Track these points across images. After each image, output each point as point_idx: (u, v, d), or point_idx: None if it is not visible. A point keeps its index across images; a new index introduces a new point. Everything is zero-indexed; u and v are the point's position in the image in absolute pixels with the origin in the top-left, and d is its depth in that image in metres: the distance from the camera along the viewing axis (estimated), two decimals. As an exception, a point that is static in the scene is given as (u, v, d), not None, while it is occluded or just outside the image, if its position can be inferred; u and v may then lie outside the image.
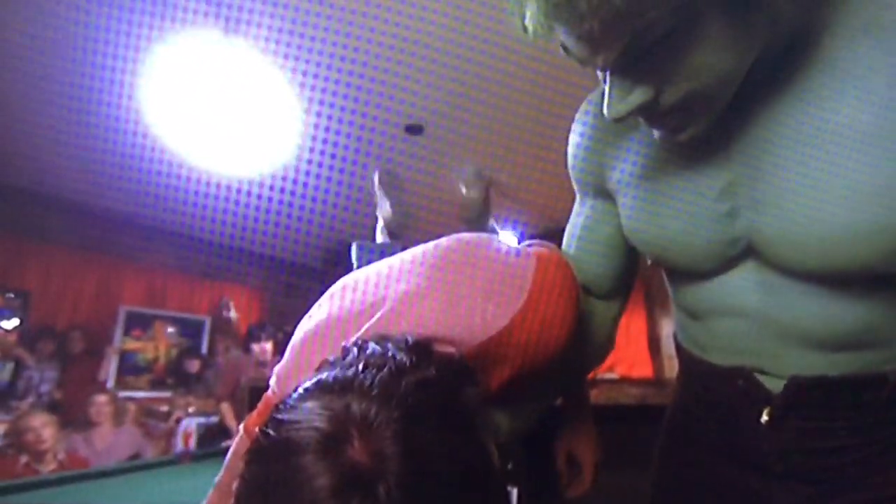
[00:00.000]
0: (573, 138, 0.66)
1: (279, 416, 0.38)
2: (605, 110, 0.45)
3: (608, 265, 0.67)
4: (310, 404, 0.38)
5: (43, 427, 2.18)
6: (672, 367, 0.75)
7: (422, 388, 0.40)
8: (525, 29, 0.40)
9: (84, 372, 3.49)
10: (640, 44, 0.39)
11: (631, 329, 3.81)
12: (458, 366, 0.47)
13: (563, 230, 0.73)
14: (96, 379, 3.55)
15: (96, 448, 2.69)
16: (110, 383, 3.64)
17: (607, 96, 0.44)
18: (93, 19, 1.36)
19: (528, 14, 0.39)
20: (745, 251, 0.50)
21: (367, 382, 0.38)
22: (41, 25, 1.76)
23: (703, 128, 0.46)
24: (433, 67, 1.86)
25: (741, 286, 0.52)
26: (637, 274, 0.72)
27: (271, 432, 0.37)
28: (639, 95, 0.43)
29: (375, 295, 0.54)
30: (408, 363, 0.42)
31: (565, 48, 0.42)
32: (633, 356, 3.79)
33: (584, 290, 0.67)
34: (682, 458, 0.68)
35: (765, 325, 0.52)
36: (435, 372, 0.42)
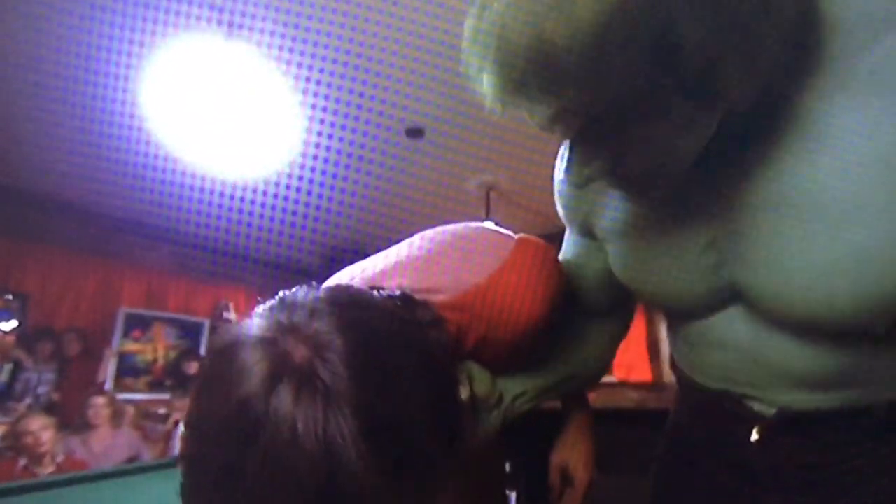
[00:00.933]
0: (557, 182, 0.67)
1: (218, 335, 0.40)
2: (565, 175, 0.45)
3: (599, 290, 0.69)
4: (248, 322, 0.39)
5: (42, 430, 2.17)
6: (671, 372, 0.76)
7: (361, 297, 0.42)
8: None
9: (82, 374, 3.48)
10: (597, 123, 0.39)
11: (630, 333, 3.80)
12: (406, 294, 0.48)
13: (562, 235, 0.73)
14: (95, 381, 3.55)
15: (94, 450, 2.68)
16: (109, 385, 3.63)
17: (566, 162, 0.45)
18: (96, 25, 1.37)
19: (485, 88, 0.39)
20: (733, 296, 0.51)
21: (305, 298, 0.40)
22: (42, 27, 1.77)
23: (667, 190, 0.47)
24: (434, 72, 1.87)
25: (730, 325, 0.53)
26: (635, 297, 0.74)
27: (212, 351, 0.39)
28: (598, 167, 0.43)
29: (363, 272, 0.58)
30: (351, 289, 0.43)
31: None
32: (631, 360, 3.79)
33: (580, 307, 0.70)
34: (681, 465, 0.68)
35: (753, 361, 0.53)
36: (380, 294, 0.44)
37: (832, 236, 0.40)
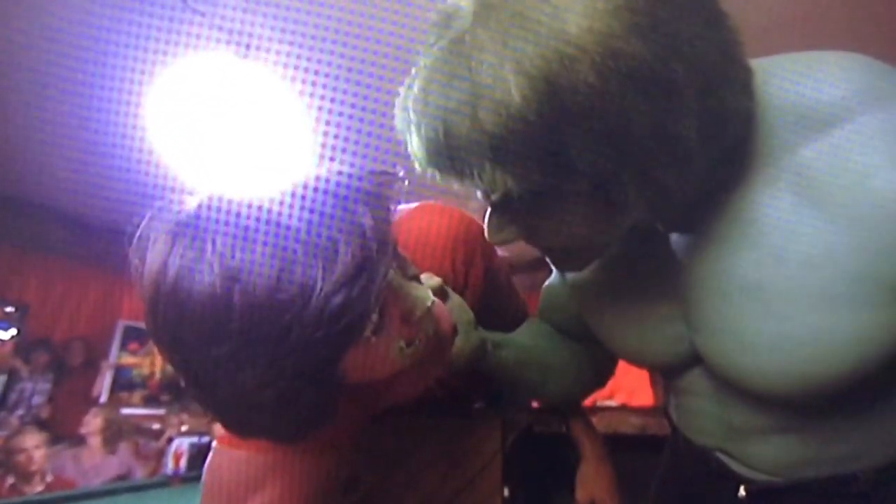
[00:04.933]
0: None
1: None
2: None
3: (576, 321, 0.69)
4: None
5: (35, 448, 2.14)
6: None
7: None
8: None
9: (78, 386, 3.45)
10: (506, 202, 0.42)
11: (631, 356, 3.75)
12: None
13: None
14: (90, 394, 3.51)
15: (84, 466, 2.64)
16: (104, 398, 3.59)
17: (487, 219, 0.46)
18: (101, 46, 1.39)
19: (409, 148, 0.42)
20: (698, 358, 0.52)
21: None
22: (49, 40, 1.80)
23: (588, 264, 0.50)
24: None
25: (697, 382, 0.55)
26: None
27: None
28: (510, 234, 0.45)
29: None
30: None
31: None
32: (632, 383, 3.73)
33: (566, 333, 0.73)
34: (678, 492, 0.68)
35: (720, 411, 0.54)
36: None
37: (768, 319, 0.42)
